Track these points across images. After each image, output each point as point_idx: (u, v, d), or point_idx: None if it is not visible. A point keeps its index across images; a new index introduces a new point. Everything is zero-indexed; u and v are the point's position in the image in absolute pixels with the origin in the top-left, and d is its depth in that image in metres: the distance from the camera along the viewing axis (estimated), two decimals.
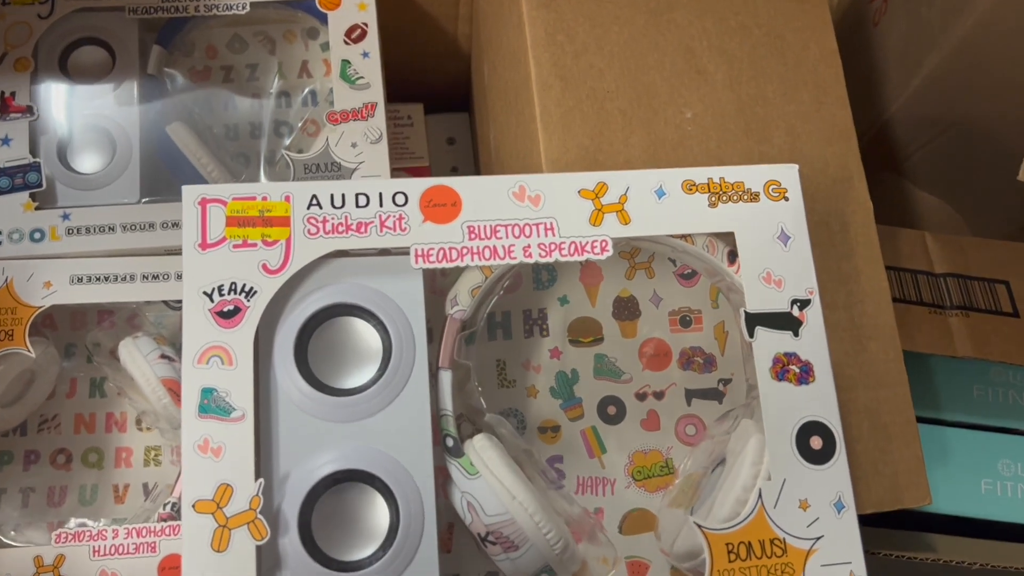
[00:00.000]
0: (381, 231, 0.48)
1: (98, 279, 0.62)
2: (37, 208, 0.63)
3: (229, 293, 0.47)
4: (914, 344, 0.70)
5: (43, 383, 0.65)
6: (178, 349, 0.64)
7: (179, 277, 0.63)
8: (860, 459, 0.58)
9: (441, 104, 0.92)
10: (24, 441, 0.65)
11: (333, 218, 0.48)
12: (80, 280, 0.62)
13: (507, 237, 0.49)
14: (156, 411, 0.61)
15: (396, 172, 0.84)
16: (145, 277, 0.62)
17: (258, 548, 0.44)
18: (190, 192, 0.48)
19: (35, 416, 0.66)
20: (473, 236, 0.48)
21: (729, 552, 0.46)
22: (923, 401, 0.71)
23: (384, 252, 0.49)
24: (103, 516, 0.64)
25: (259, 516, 0.44)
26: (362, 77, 0.68)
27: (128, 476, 0.65)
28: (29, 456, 0.65)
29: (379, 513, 0.47)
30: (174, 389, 0.60)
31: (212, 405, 0.45)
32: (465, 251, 0.48)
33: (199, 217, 0.48)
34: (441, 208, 0.49)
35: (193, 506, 0.44)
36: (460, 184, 0.49)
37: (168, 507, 0.59)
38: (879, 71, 0.87)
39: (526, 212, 0.49)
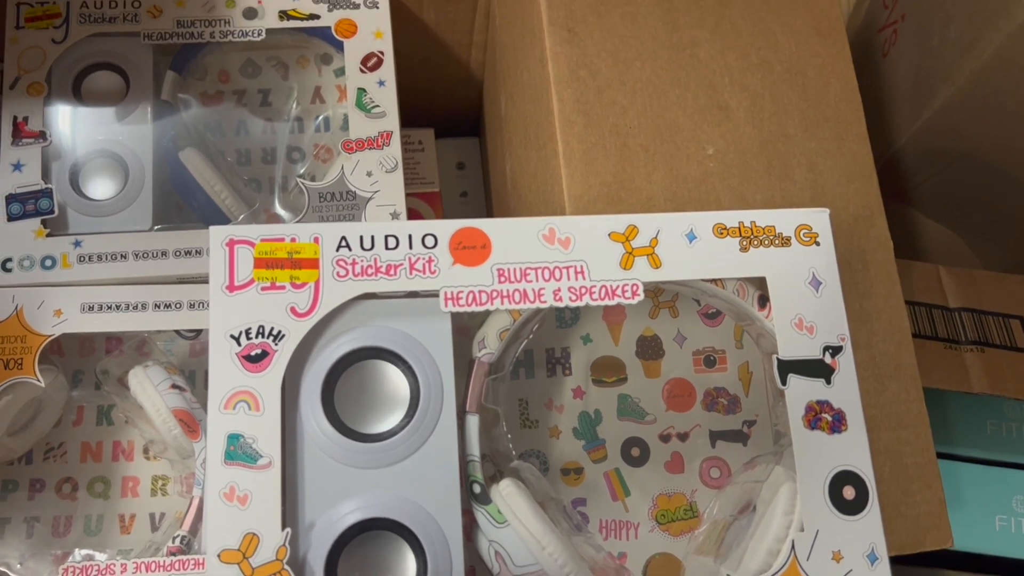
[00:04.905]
0: (411, 273, 0.47)
1: (109, 307, 0.61)
2: (48, 235, 0.63)
3: (257, 336, 0.46)
4: (930, 380, 0.70)
5: (50, 411, 0.64)
6: (187, 377, 0.64)
7: (191, 306, 0.62)
8: (883, 501, 0.57)
9: (451, 128, 0.91)
10: (30, 470, 0.65)
11: (362, 260, 0.47)
12: (91, 308, 0.61)
13: (537, 280, 0.48)
14: (166, 441, 0.60)
15: (407, 198, 0.83)
16: (157, 306, 0.62)
17: None
18: (217, 233, 0.47)
19: (41, 444, 0.65)
20: (503, 279, 0.48)
21: None
22: (936, 436, 0.70)
23: (412, 294, 0.49)
24: (108, 547, 0.63)
25: (286, 567, 0.43)
26: (378, 105, 0.67)
27: (135, 506, 0.64)
28: (34, 485, 0.64)
29: (406, 563, 0.46)
30: (185, 420, 0.59)
31: (239, 452, 0.44)
32: (495, 294, 0.48)
33: (227, 259, 0.47)
34: (471, 250, 0.48)
35: (219, 555, 0.43)
36: (490, 226, 0.49)
37: (177, 540, 0.58)
38: (888, 102, 0.87)
39: (556, 255, 0.49)
